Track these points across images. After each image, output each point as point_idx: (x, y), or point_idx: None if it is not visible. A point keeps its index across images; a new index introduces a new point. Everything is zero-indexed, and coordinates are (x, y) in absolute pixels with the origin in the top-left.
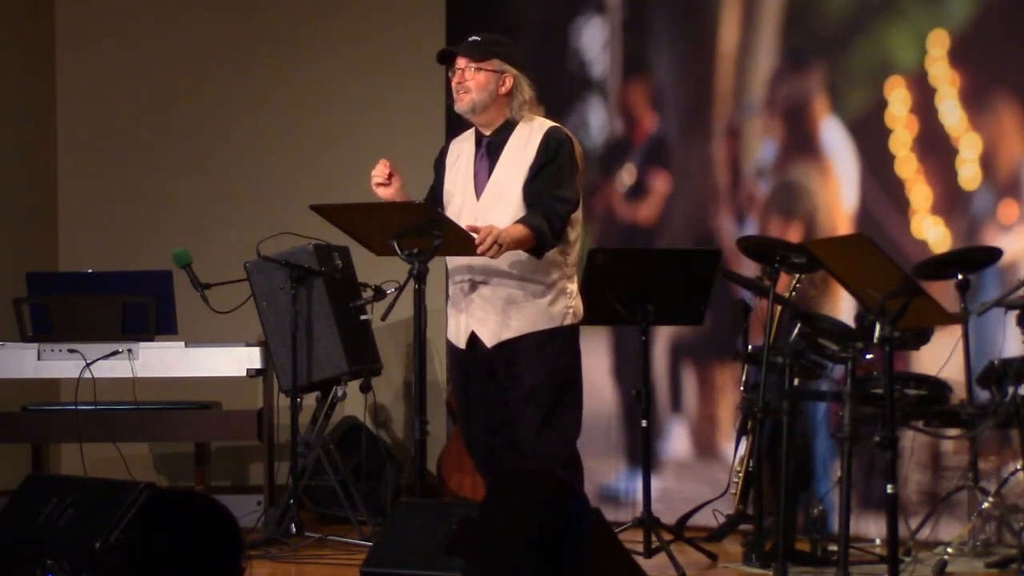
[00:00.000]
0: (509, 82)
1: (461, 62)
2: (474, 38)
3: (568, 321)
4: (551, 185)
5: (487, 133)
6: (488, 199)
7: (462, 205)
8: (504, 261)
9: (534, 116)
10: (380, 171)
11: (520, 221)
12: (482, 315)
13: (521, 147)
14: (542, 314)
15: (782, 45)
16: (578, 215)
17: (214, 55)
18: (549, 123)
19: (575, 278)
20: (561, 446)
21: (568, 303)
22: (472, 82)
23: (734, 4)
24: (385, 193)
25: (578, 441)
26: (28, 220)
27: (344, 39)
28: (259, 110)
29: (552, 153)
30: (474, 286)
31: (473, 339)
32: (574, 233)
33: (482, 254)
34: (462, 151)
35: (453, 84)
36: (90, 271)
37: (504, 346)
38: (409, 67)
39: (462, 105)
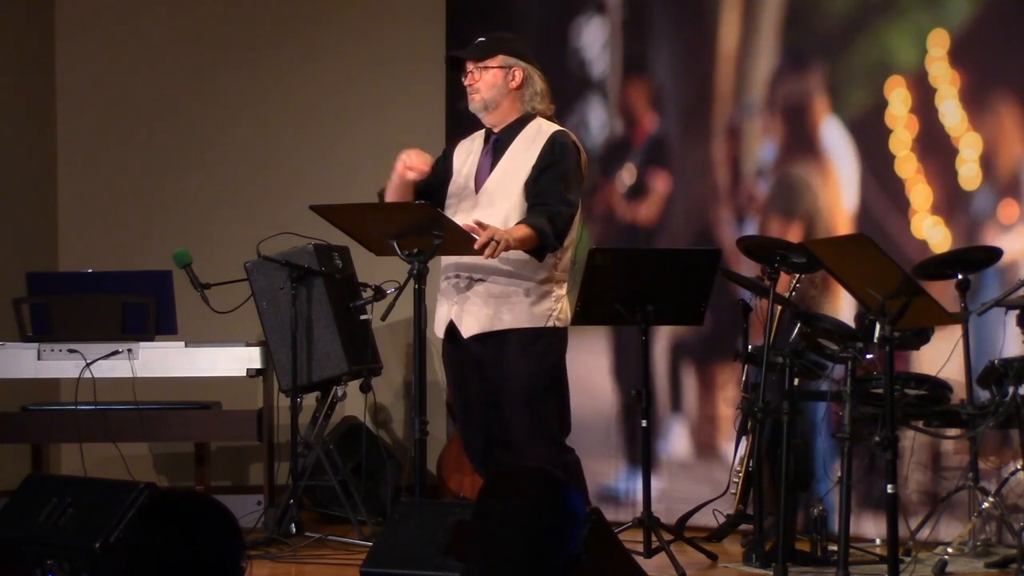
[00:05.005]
0: (519, 75)
1: (468, 64)
2: (479, 39)
3: (552, 323)
4: (556, 187)
5: (496, 130)
6: (487, 193)
7: (461, 196)
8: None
9: (544, 119)
10: (421, 161)
11: (523, 221)
12: (463, 307)
13: (526, 146)
14: (524, 312)
15: (782, 45)
16: (576, 222)
17: (213, 55)
18: (557, 127)
19: (564, 284)
20: (545, 450)
21: (551, 306)
22: (481, 82)
23: (734, 4)
24: (409, 176)
25: (578, 442)
26: (28, 220)
27: (344, 39)
28: (259, 109)
29: (558, 155)
30: (461, 281)
31: (452, 329)
32: (568, 238)
33: (480, 253)
34: (471, 148)
35: (465, 86)
36: (90, 271)
37: (485, 341)
38: (409, 67)
39: (474, 104)
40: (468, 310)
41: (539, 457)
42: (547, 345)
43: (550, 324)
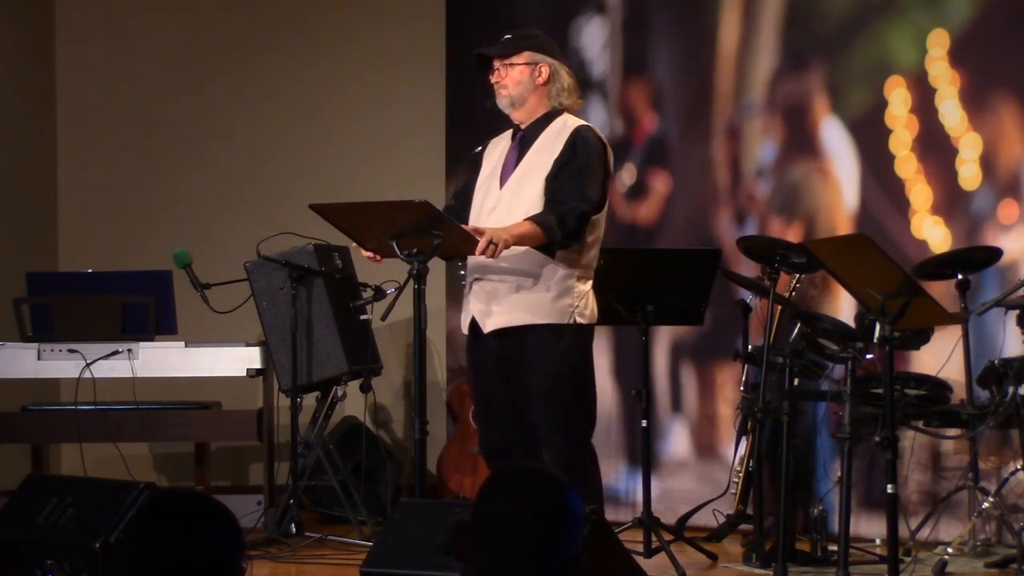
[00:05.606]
0: (546, 71)
1: (495, 61)
2: (506, 36)
3: (574, 320)
4: (572, 182)
5: (523, 127)
6: (510, 188)
7: (486, 193)
8: (512, 254)
9: (571, 114)
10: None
11: (529, 218)
12: (484, 302)
13: (551, 141)
14: (543, 307)
15: (782, 45)
16: (600, 217)
17: (213, 55)
18: (582, 122)
19: (589, 280)
20: (567, 450)
21: (574, 302)
22: (508, 79)
23: (734, 4)
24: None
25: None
26: (28, 220)
27: (344, 38)
28: (259, 109)
29: (579, 150)
30: (483, 279)
31: (474, 325)
32: (592, 235)
33: (481, 254)
34: (498, 146)
35: (493, 83)
36: (90, 271)
37: (506, 337)
38: (409, 66)
39: (501, 101)
40: (490, 307)
41: (555, 460)
42: (569, 343)
43: (571, 321)
